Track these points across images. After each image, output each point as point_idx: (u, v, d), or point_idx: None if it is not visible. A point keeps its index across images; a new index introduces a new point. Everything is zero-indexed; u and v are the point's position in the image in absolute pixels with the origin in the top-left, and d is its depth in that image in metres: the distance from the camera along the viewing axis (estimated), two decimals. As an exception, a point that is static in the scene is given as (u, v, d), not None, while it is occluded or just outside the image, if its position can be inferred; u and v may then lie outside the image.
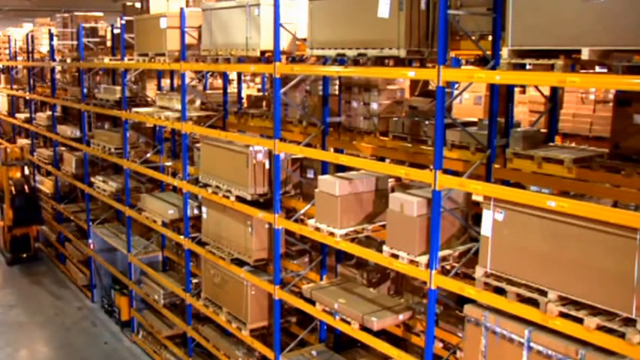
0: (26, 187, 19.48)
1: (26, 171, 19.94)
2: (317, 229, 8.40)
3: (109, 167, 17.25)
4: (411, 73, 7.19)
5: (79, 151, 17.21)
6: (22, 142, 22.41)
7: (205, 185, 10.87)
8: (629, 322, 5.38)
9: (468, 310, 6.62)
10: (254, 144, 9.71)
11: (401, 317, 8.10)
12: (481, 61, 8.53)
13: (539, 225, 5.93)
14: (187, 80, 11.93)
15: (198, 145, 11.69)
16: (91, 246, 16.55)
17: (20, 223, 19.38)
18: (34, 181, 21.21)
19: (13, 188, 19.18)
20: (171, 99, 12.77)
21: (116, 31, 15.74)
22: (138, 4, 14.60)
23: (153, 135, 14.97)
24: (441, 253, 7.01)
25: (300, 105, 10.09)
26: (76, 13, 18.88)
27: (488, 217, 6.35)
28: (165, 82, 15.72)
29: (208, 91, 14.69)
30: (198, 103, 12.72)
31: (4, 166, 19.58)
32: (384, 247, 7.46)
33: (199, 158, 11.43)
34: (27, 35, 21.99)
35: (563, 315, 5.76)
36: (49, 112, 19.94)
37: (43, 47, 20.25)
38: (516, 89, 8.88)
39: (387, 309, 8.16)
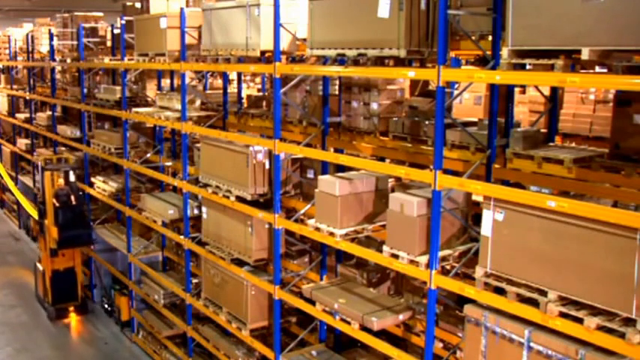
0: (72, 197, 15.28)
1: (71, 177, 15.55)
2: (317, 229, 8.40)
3: (109, 167, 17.26)
4: (411, 73, 7.19)
5: (79, 151, 17.21)
6: (22, 142, 22.41)
7: (205, 185, 10.87)
8: (629, 322, 5.38)
9: (468, 310, 6.62)
10: (254, 144, 9.71)
11: (401, 317, 8.10)
12: (481, 61, 8.53)
13: (539, 225, 5.93)
14: (187, 80, 11.93)
15: (198, 145, 11.69)
16: (91, 246, 16.54)
17: (66, 243, 15.24)
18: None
19: (55, 199, 15.21)
20: (171, 99, 12.77)
21: (116, 31, 15.75)
22: (138, 4, 14.60)
23: (153, 135, 14.98)
24: (441, 253, 7.00)
25: (300, 105, 10.09)
26: (76, 13, 18.88)
27: (488, 217, 6.35)
28: (166, 82, 15.72)
29: (208, 91, 14.70)
30: (198, 103, 12.72)
31: (47, 171, 15.51)
32: (384, 247, 7.46)
33: (199, 158, 11.43)
34: (27, 35, 22.01)
35: (563, 315, 5.76)
36: (49, 112, 19.94)
37: (43, 47, 20.25)
38: (516, 89, 8.87)
39: (387, 309, 8.16)
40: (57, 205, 15.04)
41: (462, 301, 6.88)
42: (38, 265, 16.59)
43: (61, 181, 15.39)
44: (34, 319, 15.92)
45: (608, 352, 5.50)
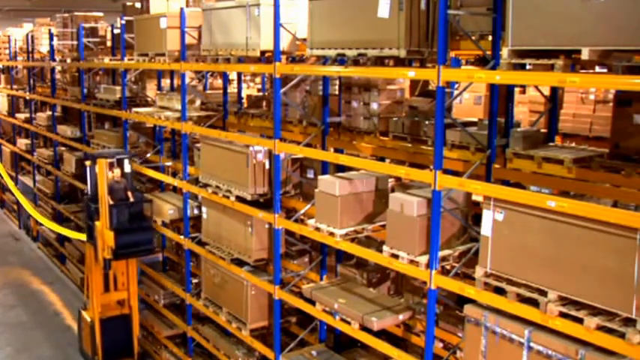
0: (129, 193, 12.20)
1: (127, 167, 12.44)
2: (317, 229, 8.40)
3: (109, 167, 17.21)
4: (411, 73, 7.18)
5: (79, 151, 17.21)
6: (22, 142, 22.41)
7: (205, 185, 10.87)
8: (629, 322, 5.38)
9: (468, 310, 6.62)
10: (254, 144, 9.71)
11: (401, 317, 8.10)
12: (481, 61, 8.54)
13: (539, 225, 5.93)
14: (187, 80, 11.93)
15: (198, 145, 11.69)
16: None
17: (123, 251, 11.94)
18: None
19: (109, 197, 11.84)
20: (171, 99, 12.77)
21: (116, 31, 15.75)
22: (138, 4, 14.60)
23: (153, 135, 14.97)
24: (441, 253, 7.00)
25: (300, 105, 10.09)
26: (76, 13, 18.88)
27: (488, 217, 6.35)
28: (166, 82, 15.72)
29: (208, 91, 14.70)
30: (198, 103, 12.72)
31: (100, 158, 11.88)
32: (384, 247, 7.46)
33: (199, 158, 11.43)
34: (27, 35, 22.01)
35: (563, 315, 5.76)
36: (49, 112, 19.95)
37: (43, 47, 20.25)
38: (516, 89, 8.87)
39: (387, 309, 8.16)
40: (110, 203, 11.80)
41: (462, 301, 6.88)
42: (84, 313, 13.29)
43: (115, 172, 12.24)
44: (34, 319, 15.91)
45: (608, 352, 5.50)
